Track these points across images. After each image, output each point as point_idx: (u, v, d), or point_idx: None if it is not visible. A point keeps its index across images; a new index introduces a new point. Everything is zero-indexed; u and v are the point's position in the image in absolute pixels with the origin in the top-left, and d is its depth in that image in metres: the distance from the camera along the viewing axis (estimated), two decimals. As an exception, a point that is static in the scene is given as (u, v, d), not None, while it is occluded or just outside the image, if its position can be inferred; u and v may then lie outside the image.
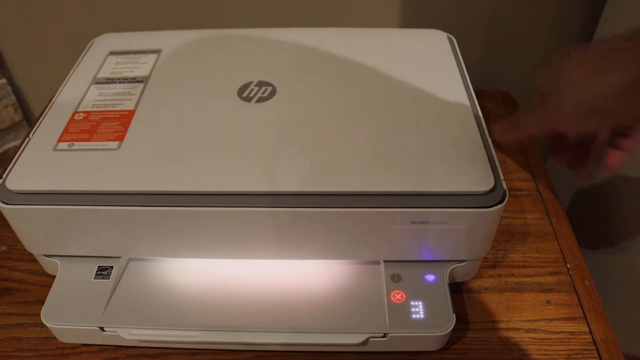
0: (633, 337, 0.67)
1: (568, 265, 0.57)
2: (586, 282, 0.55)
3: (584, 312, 0.53)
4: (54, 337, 0.50)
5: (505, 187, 0.46)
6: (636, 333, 0.67)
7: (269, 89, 0.55)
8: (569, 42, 0.86)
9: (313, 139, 0.49)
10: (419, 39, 0.63)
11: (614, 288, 0.73)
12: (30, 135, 0.51)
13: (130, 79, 0.57)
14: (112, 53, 0.62)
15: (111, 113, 0.53)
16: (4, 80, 0.90)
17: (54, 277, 0.52)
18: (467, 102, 0.53)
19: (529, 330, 0.51)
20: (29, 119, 0.98)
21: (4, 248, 0.60)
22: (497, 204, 0.45)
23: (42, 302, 0.49)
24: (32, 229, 0.49)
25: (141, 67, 0.59)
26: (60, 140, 0.50)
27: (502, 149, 0.70)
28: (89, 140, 0.50)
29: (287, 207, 0.45)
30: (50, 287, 0.50)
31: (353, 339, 0.47)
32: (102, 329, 0.48)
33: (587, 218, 0.81)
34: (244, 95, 0.54)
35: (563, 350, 0.50)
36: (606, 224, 0.76)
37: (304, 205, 0.45)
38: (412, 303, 0.48)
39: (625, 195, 0.71)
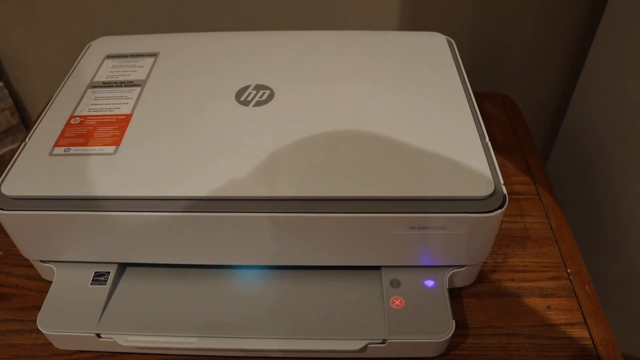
0: (633, 342, 0.67)
1: (568, 270, 0.57)
2: (586, 286, 0.55)
3: (584, 317, 0.52)
4: (50, 344, 0.50)
5: (505, 191, 0.45)
6: (637, 337, 0.67)
7: (267, 92, 0.54)
8: (569, 44, 0.86)
9: (311, 143, 0.49)
10: (419, 42, 0.63)
11: (614, 292, 0.73)
12: (26, 140, 0.51)
13: (127, 82, 0.57)
14: (109, 56, 0.61)
15: (108, 117, 0.52)
16: (0, 84, 0.90)
17: (50, 282, 0.51)
18: (466, 105, 0.53)
19: (529, 336, 0.51)
20: (26, 123, 0.98)
21: (0, 253, 0.60)
22: (497, 209, 0.44)
23: (39, 308, 0.49)
24: (28, 235, 0.49)
25: (138, 70, 0.59)
26: (56, 145, 0.50)
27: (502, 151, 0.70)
28: (85, 144, 0.49)
29: (286, 212, 0.44)
30: (47, 292, 0.50)
31: (352, 345, 0.47)
32: (98, 335, 0.47)
33: (587, 222, 0.81)
34: (242, 98, 0.54)
35: (563, 355, 0.49)
36: (606, 227, 0.76)
37: (302, 210, 0.44)
38: (412, 309, 0.48)
39: (625, 199, 0.71)
